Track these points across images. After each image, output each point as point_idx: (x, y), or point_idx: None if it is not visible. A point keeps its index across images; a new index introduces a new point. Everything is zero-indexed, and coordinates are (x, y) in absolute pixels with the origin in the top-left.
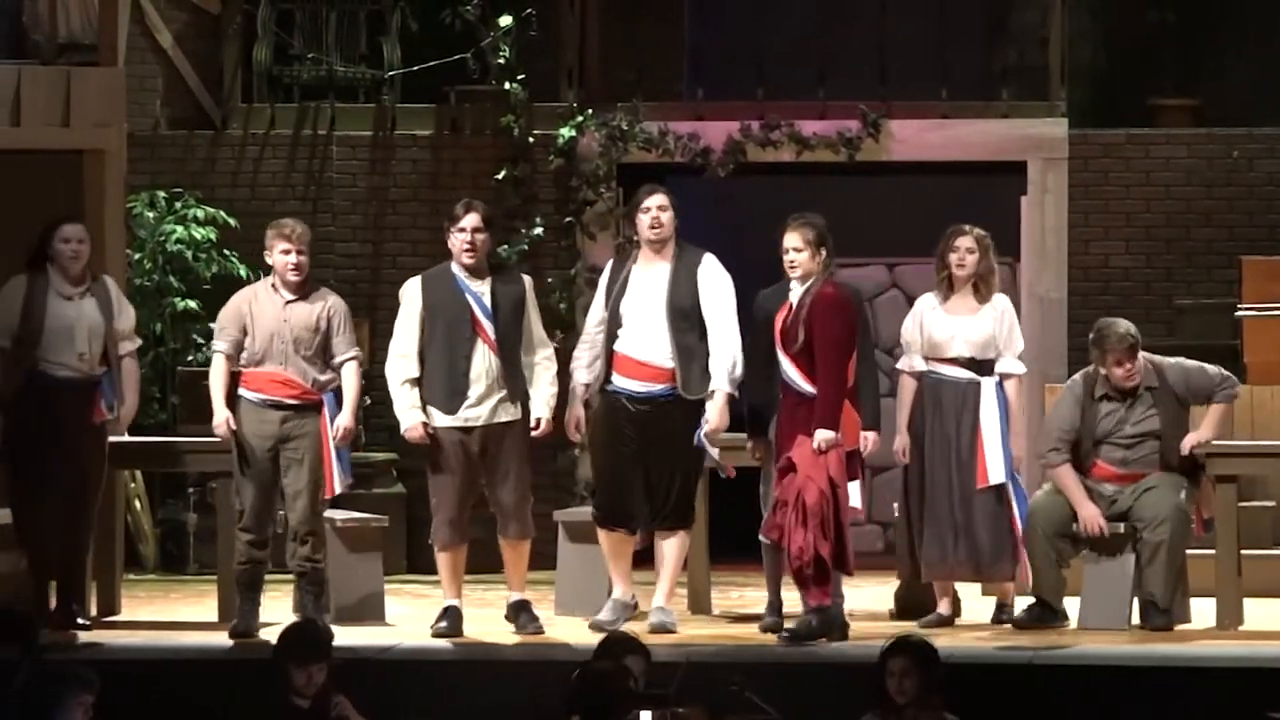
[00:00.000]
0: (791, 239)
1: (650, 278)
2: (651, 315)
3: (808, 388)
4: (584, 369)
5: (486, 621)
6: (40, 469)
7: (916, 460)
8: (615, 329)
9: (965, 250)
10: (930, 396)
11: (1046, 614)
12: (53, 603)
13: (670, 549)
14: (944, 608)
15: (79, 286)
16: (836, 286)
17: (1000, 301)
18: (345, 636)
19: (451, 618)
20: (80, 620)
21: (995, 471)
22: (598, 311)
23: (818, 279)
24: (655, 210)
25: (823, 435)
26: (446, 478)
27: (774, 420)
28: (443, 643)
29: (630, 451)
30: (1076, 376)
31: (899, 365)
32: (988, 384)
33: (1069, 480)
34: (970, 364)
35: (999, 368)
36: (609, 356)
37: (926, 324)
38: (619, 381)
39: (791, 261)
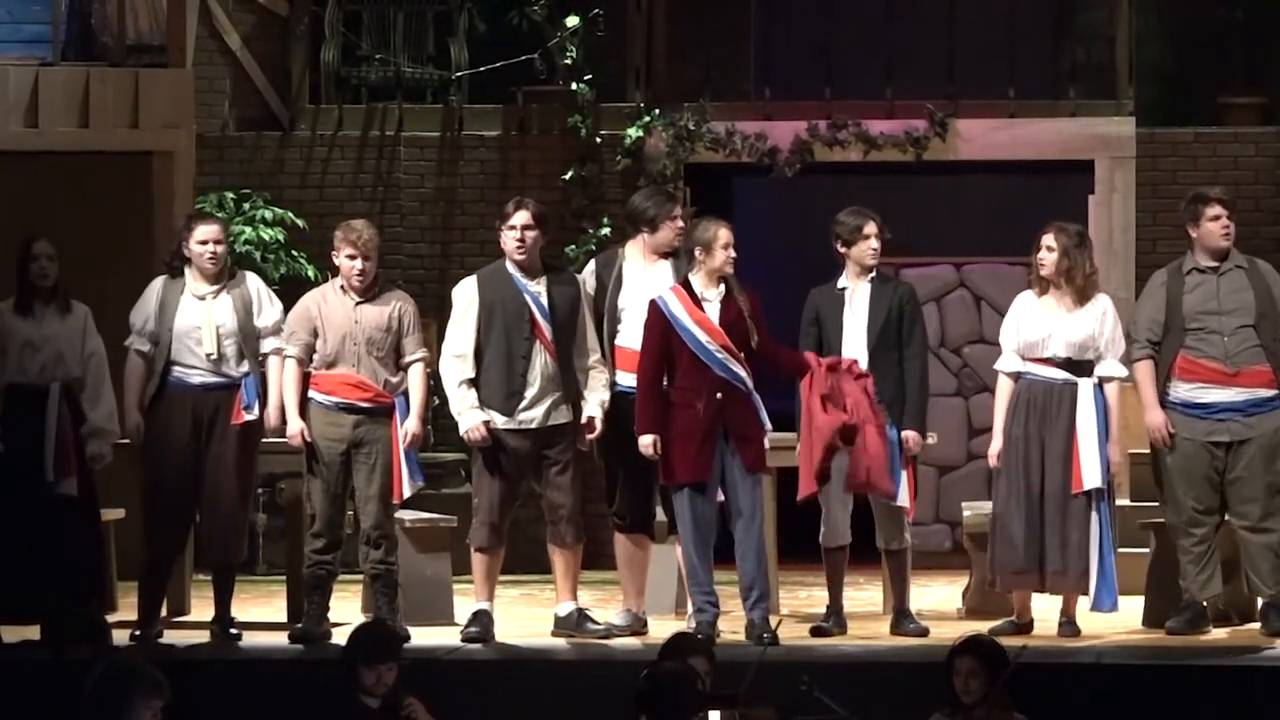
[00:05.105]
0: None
1: (651, 274)
2: None
3: None
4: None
5: (550, 622)
6: (178, 475)
7: (1005, 464)
8: (615, 325)
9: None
10: (1023, 398)
11: (1197, 617)
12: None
13: None
14: (1019, 614)
15: (214, 285)
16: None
17: (1103, 300)
18: (414, 636)
19: (483, 622)
20: (231, 630)
21: (1091, 476)
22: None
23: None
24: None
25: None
26: (494, 480)
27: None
28: (509, 643)
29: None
30: (1160, 270)
31: (996, 366)
32: (1085, 385)
33: (1145, 376)
34: (1066, 364)
35: (1100, 370)
36: (610, 354)
37: (1023, 323)
38: (623, 380)
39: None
